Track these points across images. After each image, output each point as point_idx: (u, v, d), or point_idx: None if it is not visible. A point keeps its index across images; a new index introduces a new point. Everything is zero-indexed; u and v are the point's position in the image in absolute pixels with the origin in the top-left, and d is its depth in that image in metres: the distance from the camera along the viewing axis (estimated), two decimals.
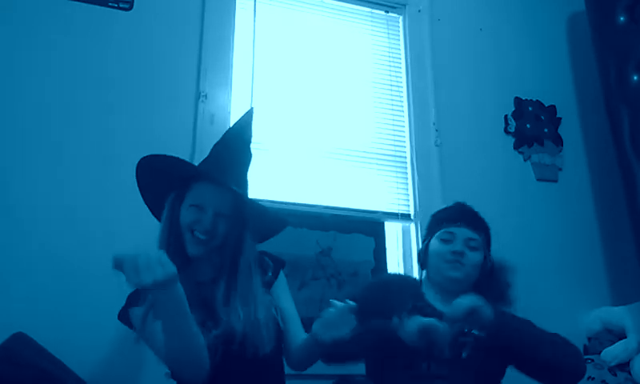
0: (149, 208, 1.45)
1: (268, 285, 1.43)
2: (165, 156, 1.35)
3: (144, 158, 1.37)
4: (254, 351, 1.29)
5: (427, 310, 1.45)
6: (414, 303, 1.47)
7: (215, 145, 1.43)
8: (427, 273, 1.61)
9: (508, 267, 1.62)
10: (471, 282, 1.54)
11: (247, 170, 1.44)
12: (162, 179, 1.38)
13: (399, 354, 1.41)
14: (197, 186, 1.35)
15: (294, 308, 1.48)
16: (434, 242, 1.56)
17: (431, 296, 1.56)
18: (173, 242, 1.34)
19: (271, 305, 1.39)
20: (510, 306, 1.55)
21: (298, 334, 1.42)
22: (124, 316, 1.34)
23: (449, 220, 1.56)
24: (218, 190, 1.34)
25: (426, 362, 1.42)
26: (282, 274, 1.49)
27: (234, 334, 1.28)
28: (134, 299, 1.32)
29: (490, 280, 1.56)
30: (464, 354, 1.43)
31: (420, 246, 1.67)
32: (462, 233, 1.53)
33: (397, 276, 1.87)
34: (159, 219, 1.42)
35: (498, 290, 1.56)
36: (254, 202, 1.43)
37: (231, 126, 1.52)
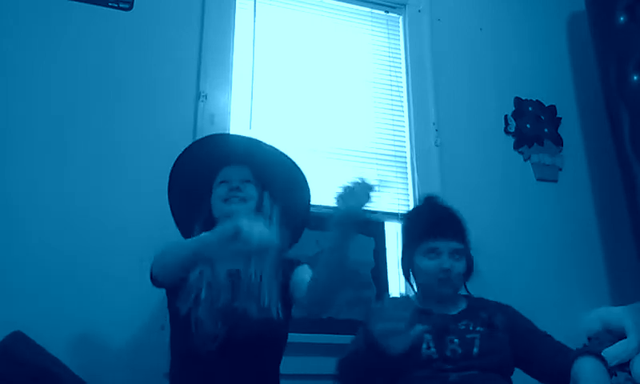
0: (171, 207, 1.62)
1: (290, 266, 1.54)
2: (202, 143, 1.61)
3: (190, 146, 1.61)
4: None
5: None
6: None
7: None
8: (417, 286, 1.59)
9: None
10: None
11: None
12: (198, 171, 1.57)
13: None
14: (224, 169, 1.56)
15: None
16: (420, 259, 1.52)
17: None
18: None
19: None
20: None
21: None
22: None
23: (430, 234, 1.52)
24: (239, 167, 1.56)
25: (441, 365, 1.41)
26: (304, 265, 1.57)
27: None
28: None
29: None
30: (475, 351, 1.42)
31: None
32: (447, 246, 1.49)
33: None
34: (177, 219, 1.62)
35: None
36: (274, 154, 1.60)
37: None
